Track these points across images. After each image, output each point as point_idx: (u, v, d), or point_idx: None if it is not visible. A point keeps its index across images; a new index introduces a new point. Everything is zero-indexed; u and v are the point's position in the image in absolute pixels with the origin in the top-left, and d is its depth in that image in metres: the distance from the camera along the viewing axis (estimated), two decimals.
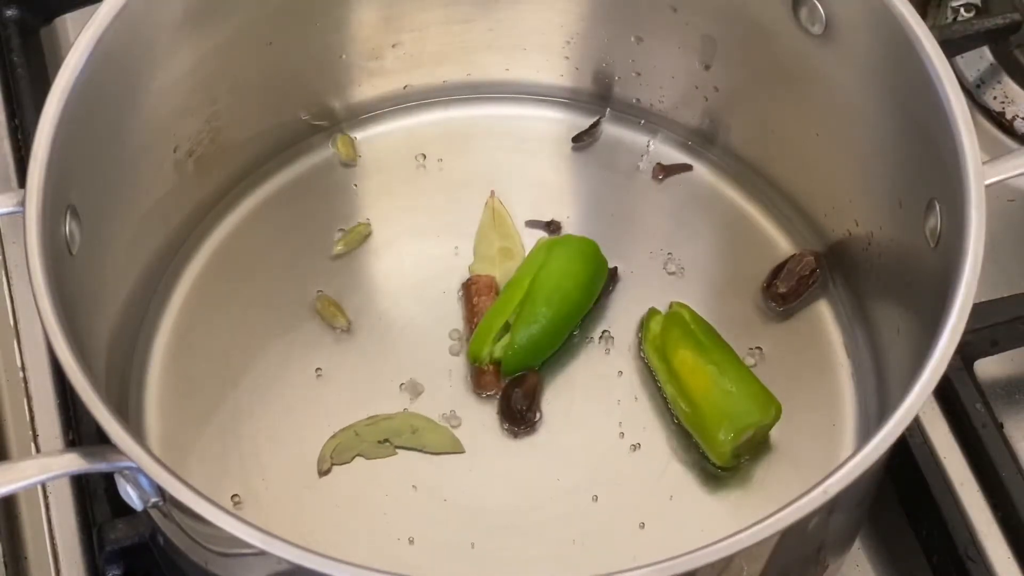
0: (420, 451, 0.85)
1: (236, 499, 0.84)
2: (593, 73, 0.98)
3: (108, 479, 0.77)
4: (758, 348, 0.89)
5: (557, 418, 0.87)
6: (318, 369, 0.88)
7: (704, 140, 0.97)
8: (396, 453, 0.85)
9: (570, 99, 0.99)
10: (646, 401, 0.88)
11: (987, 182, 0.75)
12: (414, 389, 0.88)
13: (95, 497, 0.84)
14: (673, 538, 0.82)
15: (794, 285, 0.90)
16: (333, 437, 0.85)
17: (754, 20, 0.89)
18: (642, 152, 0.97)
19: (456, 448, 0.86)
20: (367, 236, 0.93)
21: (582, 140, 0.97)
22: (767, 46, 0.89)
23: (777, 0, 0.86)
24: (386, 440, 0.86)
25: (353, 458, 0.85)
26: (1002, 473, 0.84)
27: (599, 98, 0.98)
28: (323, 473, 0.85)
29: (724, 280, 0.92)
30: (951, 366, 0.72)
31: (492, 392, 0.87)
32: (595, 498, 0.84)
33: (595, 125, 0.98)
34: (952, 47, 0.96)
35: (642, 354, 0.89)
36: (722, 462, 0.84)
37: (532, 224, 0.94)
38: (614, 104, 0.98)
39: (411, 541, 0.83)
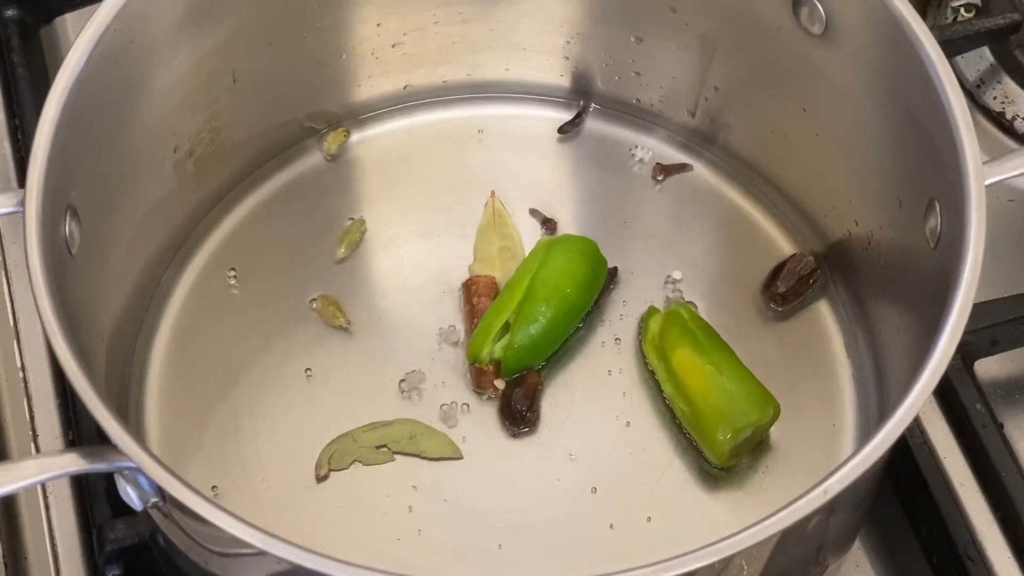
0: (418, 457, 0.85)
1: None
2: (593, 73, 0.98)
3: (108, 479, 0.77)
4: (758, 348, 0.89)
5: (557, 418, 0.87)
6: (311, 370, 0.88)
7: (704, 140, 0.97)
8: (394, 459, 0.85)
9: (570, 99, 0.99)
10: (646, 401, 0.88)
11: (987, 182, 0.75)
12: (413, 389, 0.88)
13: (95, 497, 0.84)
14: (673, 538, 0.82)
15: (794, 285, 0.90)
16: (331, 443, 0.85)
17: (754, 20, 0.89)
18: (642, 152, 0.97)
19: (454, 454, 0.86)
20: (365, 233, 0.93)
21: (567, 131, 0.97)
22: (767, 46, 0.89)
23: (777, 0, 0.86)
24: (384, 446, 0.85)
25: (351, 464, 0.85)
26: (1002, 473, 0.84)
27: (599, 98, 0.98)
28: (320, 479, 0.85)
29: (724, 280, 0.92)
30: (951, 366, 0.72)
31: (492, 392, 0.87)
32: (595, 498, 0.84)
33: (580, 115, 0.98)
34: (952, 47, 0.96)
35: (642, 354, 0.89)
36: (721, 462, 0.84)
37: (534, 213, 0.94)
38: (614, 104, 0.98)
39: (411, 541, 0.83)
